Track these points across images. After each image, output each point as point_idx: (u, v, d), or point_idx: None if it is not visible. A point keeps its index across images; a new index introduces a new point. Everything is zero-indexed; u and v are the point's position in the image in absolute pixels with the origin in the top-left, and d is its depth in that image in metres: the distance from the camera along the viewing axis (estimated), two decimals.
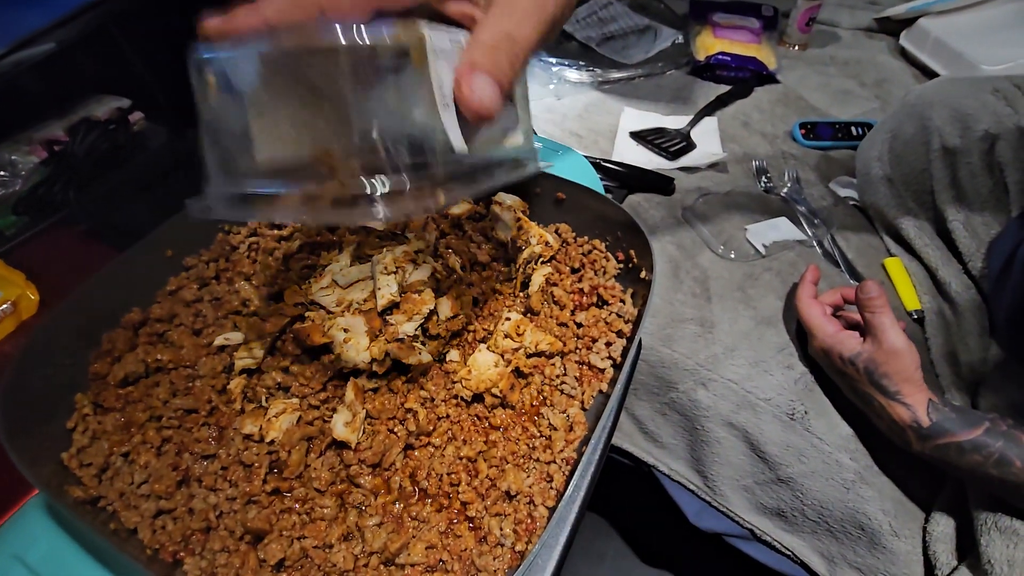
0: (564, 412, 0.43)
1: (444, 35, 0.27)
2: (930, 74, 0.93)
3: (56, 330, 0.41)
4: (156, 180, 0.70)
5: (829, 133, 0.83)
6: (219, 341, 0.44)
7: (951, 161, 0.62)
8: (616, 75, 0.93)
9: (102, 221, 0.65)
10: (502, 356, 0.44)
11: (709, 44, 0.94)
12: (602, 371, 0.45)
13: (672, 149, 0.79)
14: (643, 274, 0.48)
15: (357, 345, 0.42)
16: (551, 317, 0.48)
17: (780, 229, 0.69)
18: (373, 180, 0.25)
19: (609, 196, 0.52)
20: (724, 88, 0.90)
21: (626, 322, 0.47)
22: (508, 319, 0.46)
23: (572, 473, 0.38)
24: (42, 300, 0.54)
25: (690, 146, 0.80)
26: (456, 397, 0.43)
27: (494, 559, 0.36)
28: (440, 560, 0.36)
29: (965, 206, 0.63)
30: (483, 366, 0.43)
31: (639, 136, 0.81)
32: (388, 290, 0.43)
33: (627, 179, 0.73)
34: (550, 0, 0.27)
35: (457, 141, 0.27)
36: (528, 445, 0.42)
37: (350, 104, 0.25)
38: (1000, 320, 0.56)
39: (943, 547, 0.48)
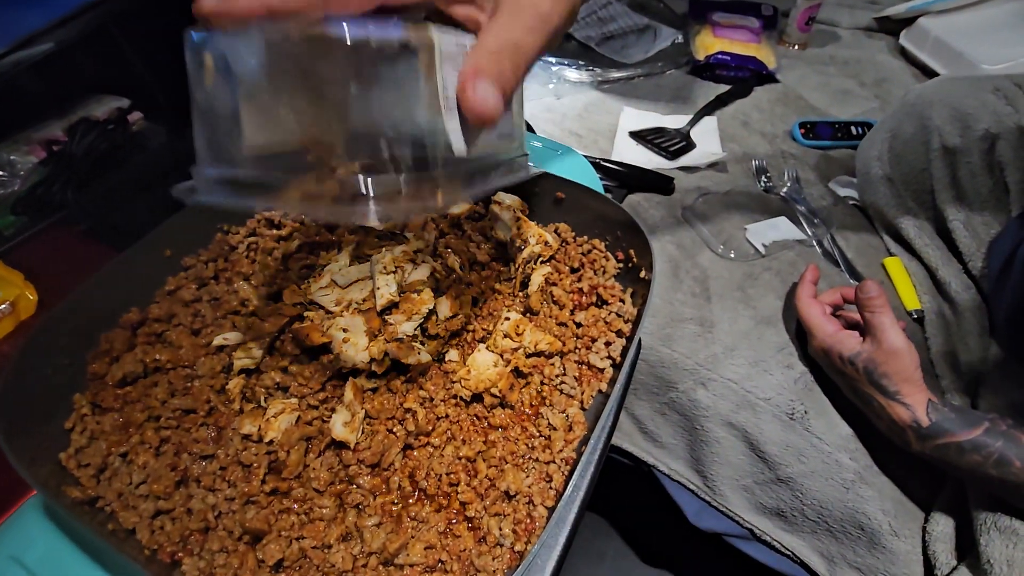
0: (563, 412, 0.43)
1: (451, 39, 0.27)
2: (930, 73, 0.93)
3: (54, 330, 0.41)
4: (155, 180, 0.70)
5: (829, 133, 0.83)
6: (218, 341, 0.44)
7: (951, 160, 0.62)
8: (616, 75, 0.93)
9: (101, 221, 0.65)
10: (501, 356, 0.44)
11: (709, 44, 0.94)
12: (601, 371, 0.45)
13: (672, 149, 0.79)
14: (643, 274, 0.48)
15: (356, 345, 0.42)
16: (550, 317, 0.48)
17: (780, 229, 0.69)
18: (370, 179, 0.25)
19: (608, 196, 0.51)
20: (724, 88, 0.90)
21: (626, 322, 0.47)
22: (507, 319, 0.46)
23: (571, 473, 0.38)
24: (41, 300, 0.54)
25: (690, 146, 0.80)
26: (455, 397, 0.43)
27: (493, 559, 0.36)
28: (439, 560, 0.36)
29: (965, 206, 0.62)
30: (482, 366, 0.43)
31: (639, 136, 0.81)
32: (387, 290, 0.43)
33: (627, 179, 0.73)
34: (554, 11, 0.27)
35: (458, 143, 0.27)
36: (527, 445, 0.41)
37: (353, 100, 0.25)
38: (1000, 320, 0.56)
39: (943, 547, 0.48)
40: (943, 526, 0.49)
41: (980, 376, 0.55)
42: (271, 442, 0.40)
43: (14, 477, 0.34)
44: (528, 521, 0.37)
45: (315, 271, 0.48)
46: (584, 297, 0.49)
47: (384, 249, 0.47)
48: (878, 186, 0.68)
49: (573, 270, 0.51)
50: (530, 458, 0.41)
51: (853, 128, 0.83)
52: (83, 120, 0.69)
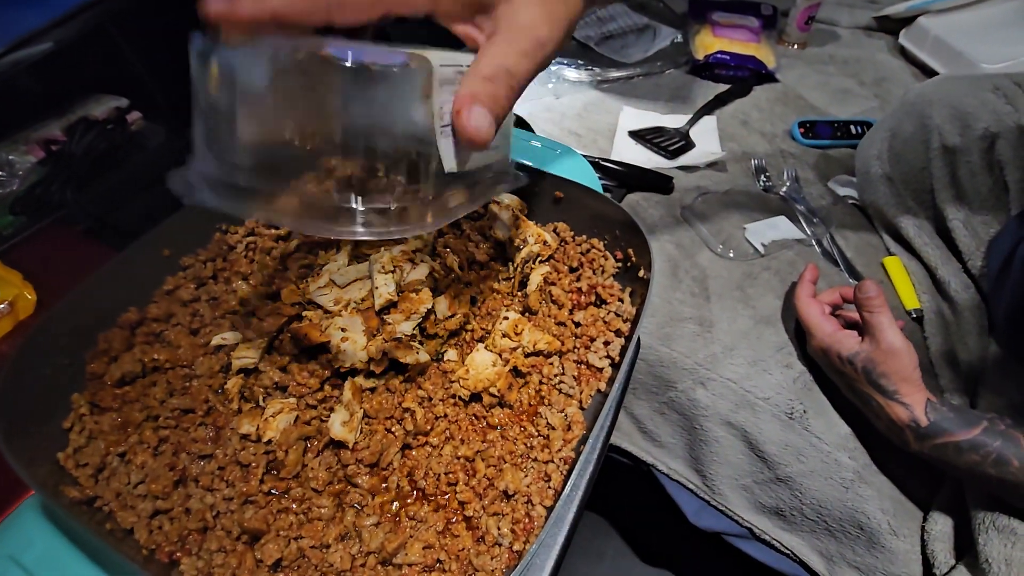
0: (562, 411, 0.43)
1: (449, 63, 0.28)
2: (930, 72, 0.93)
3: (53, 330, 0.41)
4: (154, 180, 0.69)
5: (828, 132, 0.83)
6: (216, 341, 0.44)
7: (951, 160, 0.62)
8: (615, 74, 0.93)
9: (100, 221, 0.65)
10: (500, 355, 0.44)
11: (708, 43, 0.94)
12: (600, 370, 0.45)
13: (671, 148, 0.79)
14: (641, 273, 0.48)
15: (355, 344, 0.42)
16: (549, 316, 0.48)
17: (779, 228, 0.69)
18: (359, 197, 0.26)
19: (607, 195, 0.51)
20: (723, 87, 0.90)
21: (624, 321, 0.47)
22: (506, 318, 0.46)
23: (570, 472, 0.38)
24: (39, 300, 0.54)
25: (689, 145, 0.80)
26: (454, 396, 0.43)
27: (492, 559, 0.36)
28: (437, 560, 0.36)
29: (965, 205, 0.62)
30: (481, 365, 0.43)
31: (638, 135, 0.81)
32: (386, 289, 0.43)
33: (626, 178, 0.73)
34: (551, 37, 0.29)
35: (449, 162, 0.29)
36: (526, 444, 0.41)
37: (350, 119, 0.26)
38: (999, 319, 0.56)
39: (941, 546, 0.48)
40: (942, 525, 0.49)
41: (979, 375, 0.55)
42: (269, 442, 0.40)
43: (12, 477, 0.34)
44: (527, 520, 0.37)
45: (313, 270, 0.48)
46: (583, 296, 0.49)
47: (382, 249, 0.47)
48: (877, 185, 0.68)
49: (572, 269, 0.51)
50: (529, 457, 0.41)
51: (852, 127, 0.83)
52: (82, 120, 0.69)
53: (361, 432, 0.41)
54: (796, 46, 1.01)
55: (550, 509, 0.37)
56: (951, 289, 0.61)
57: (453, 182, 0.30)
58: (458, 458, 0.40)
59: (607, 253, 0.51)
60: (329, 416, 0.41)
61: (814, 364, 0.56)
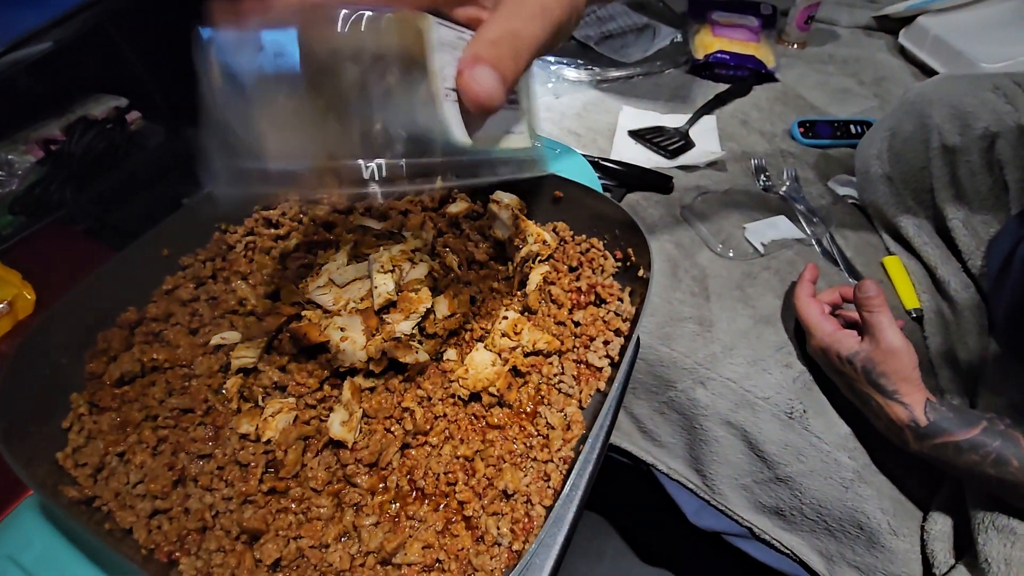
0: (562, 411, 0.43)
1: (451, 30, 0.27)
2: (929, 72, 0.93)
3: (52, 329, 0.41)
4: (153, 179, 0.69)
5: (828, 131, 0.83)
6: (215, 340, 0.44)
7: (950, 159, 0.62)
8: (615, 74, 0.93)
9: (99, 221, 0.64)
10: (499, 355, 0.44)
11: (708, 43, 0.94)
12: (600, 370, 0.45)
13: (671, 148, 0.79)
14: (641, 272, 0.48)
15: (354, 344, 0.42)
16: (549, 316, 0.48)
17: (779, 228, 0.69)
18: (371, 164, 0.25)
19: (607, 194, 0.51)
20: (723, 86, 0.90)
21: (624, 320, 0.47)
22: (505, 318, 0.46)
23: (569, 472, 0.38)
24: (38, 300, 0.54)
25: (689, 145, 0.80)
26: (453, 396, 0.43)
27: (491, 558, 0.36)
28: (437, 560, 0.36)
29: (964, 204, 0.62)
30: (480, 365, 0.43)
31: (638, 135, 0.81)
32: (385, 289, 0.43)
33: (626, 178, 0.73)
34: (556, 5, 0.27)
35: (458, 132, 0.27)
36: (525, 444, 0.41)
37: (352, 94, 0.26)
38: (999, 318, 0.56)
39: (941, 546, 0.48)
40: (941, 525, 0.49)
41: (979, 375, 0.55)
42: (269, 441, 0.40)
43: (11, 477, 0.34)
44: (526, 520, 0.37)
45: (313, 270, 0.48)
46: (582, 296, 0.49)
47: (382, 248, 0.47)
48: (877, 185, 0.68)
49: (571, 269, 0.51)
50: (528, 457, 0.41)
51: (852, 127, 0.83)
52: (81, 119, 0.69)
53: (360, 432, 0.41)
54: (796, 46, 1.01)
55: (549, 509, 0.37)
56: (951, 289, 0.61)
57: (470, 157, 0.29)
58: (457, 458, 0.40)
59: (607, 253, 0.51)
60: (328, 416, 0.41)
61: (814, 364, 0.56)
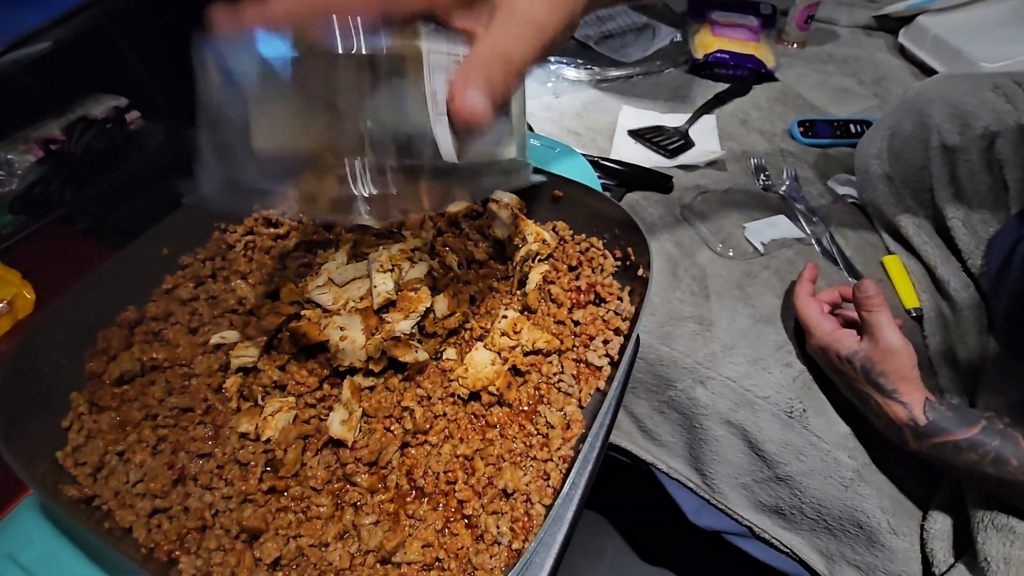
0: (561, 410, 0.43)
1: (443, 48, 0.27)
2: (929, 71, 0.93)
3: (52, 329, 0.41)
4: (153, 179, 0.69)
5: (828, 131, 0.83)
6: (215, 339, 0.44)
7: (950, 159, 0.62)
8: (614, 73, 0.93)
9: (99, 220, 0.64)
10: (499, 354, 0.44)
11: (707, 42, 0.94)
12: (599, 369, 0.45)
13: (670, 147, 0.79)
14: (641, 272, 0.48)
15: (353, 343, 0.42)
16: (548, 315, 0.48)
17: (779, 227, 0.69)
18: (360, 183, 0.26)
19: (607, 194, 0.51)
20: (722, 86, 0.90)
21: (623, 320, 0.47)
22: (505, 317, 0.46)
23: (569, 471, 0.38)
24: (38, 299, 0.54)
25: (688, 144, 0.80)
26: (453, 395, 0.43)
27: (491, 557, 0.36)
28: (436, 558, 0.36)
29: (964, 204, 0.62)
30: (480, 364, 0.43)
31: (637, 134, 0.81)
32: (384, 288, 0.43)
33: (625, 177, 0.73)
34: (550, 22, 0.28)
35: (447, 149, 0.28)
36: (525, 443, 0.41)
37: (345, 109, 0.26)
38: (999, 318, 0.56)
39: (940, 545, 0.48)
40: (941, 524, 0.49)
41: (978, 374, 0.55)
42: (268, 440, 0.40)
43: (11, 476, 0.34)
44: (526, 519, 0.37)
45: (312, 269, 0.48)
46: (582, 295, 0.49)
47: (381, 247, 0.47)
48: (877, 184, 0.68)
49: (571, 268, 0.51)
50: (528, 456, 0.41)
51: (852, 126, 0.83)
52: (81, 119, 0.69)
53: (360, 431, 0.41)
54: (795, 45, 1.01)
55: (549, 507, 0.37)
56: (950, 288, 0.61)
57: (455, 173, 0.30)
58: (457, 457, 0.40)
59: (606, 252, 0.51)
60: (328, 415, 0.41)
61: (813, 363, 0.56)
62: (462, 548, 0.36)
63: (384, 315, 0.44)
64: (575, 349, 0.46)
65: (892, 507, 0.51)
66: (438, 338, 0.45)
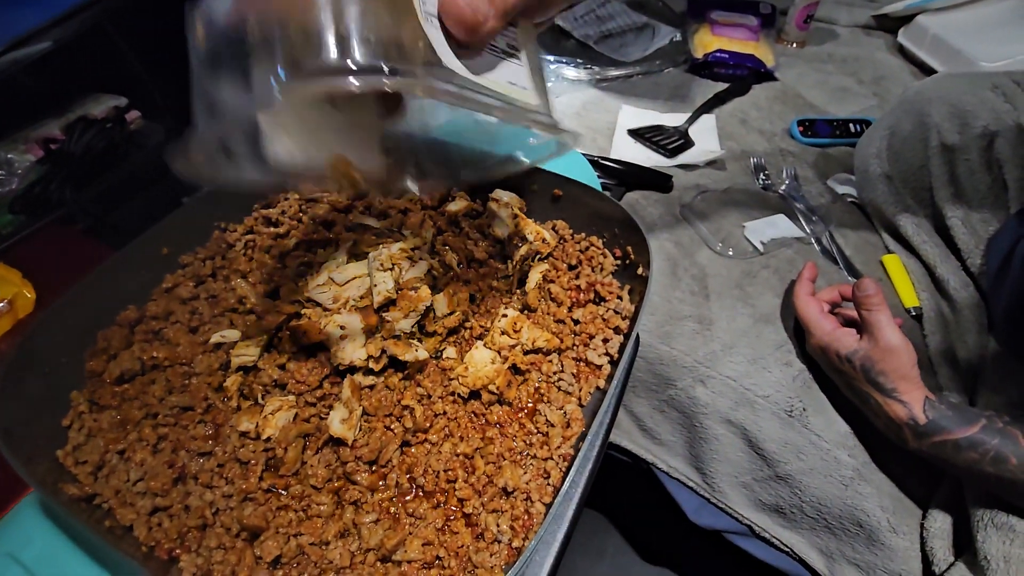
0: (561, 409, 0.43)
1: None
2: (928, 71, 0.93)
3: (52, 328, 0.41)
4: (153, 179, 0.70)
5: (827, 130, 0.83)
6: (215, 338, 0.44)
7: (950, 158, 0.62)
8: (614, 73, 0.93)
9: (99, 220, 0.65)
10: (499, 353, 0.44)
11: (707, 42, 0.94)
12: (599, 367, 0.45)
13: (670, 146, 0.79)
14: (640, 270, 0.48)
15: (353, 342, 0.42)
16: (548, 314, 0.48)
17: (778, 226, 0.69)
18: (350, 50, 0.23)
19: (606, 193, 0.52)
20: (722, 86, 0.90)
21: (623, 319, 0.47)
22: (505, 316, 0.46)
23: (569, 469, 0.38)
24: (38, 298, 0.54)
25: (688, 143, 0.80)
26: (453, 394, 0.43)
27: (491, 555, 0.36)
28: (437, 557, 0.36)
29: (964, 203, 0.62)
30: (480, 363, 0.43)
31: (637, 134, 0.81)
32: (384, 287, 0.43)
33: (625, 176, 0.73)
34: None
35: (445, 53, 0.25)
36: (525, 442, 0.41)
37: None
38: (998, 317, 0.56)
39: (940, 543, 0.48)
40: (941, 523, 0.49)
41: (978, 373, 0.55)
42: (268, 439, 0.40)
43: (11, 475, 0.34)
44: (526, 517, 0.37)
45: (312, 268, 0.48)
46: (582, 294, 0.49)
47: (381, 246, 0.47)
48: (876, 184, 0.68)
49: (571, 267, 0.51)
50: (528, 455, 0.41)
51: (851, 126, 0.83)
52: (81, 119, 0.69)
53: (360, 429, 0.41)
54: (795, 45, 1.01)
55: (549, 506, 0.37)
56: (950, 287, 0.61)
57: (464, 88, 0.26)
58: (457, 455, 0.40)
59: (606, 251, 0.51)
60: (328, 413, 0.41)
61: (813, 362, 0.56)
62: (462, 546, 0.37)
63: (384, 314, 0.44)
64: (575, 348, 0.46)
65: (892, 506, 0.51)
66: (438, 337, 0.45)
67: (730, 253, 0.66)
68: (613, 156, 0.76)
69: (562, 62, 0.93)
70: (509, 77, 0.29)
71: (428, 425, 0.41)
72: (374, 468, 0.40)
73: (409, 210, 0.54)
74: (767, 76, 0.93)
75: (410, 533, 0.37)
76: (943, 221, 0.64)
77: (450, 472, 0.40)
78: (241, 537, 0.36)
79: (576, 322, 0.48)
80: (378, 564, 0.36)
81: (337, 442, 0.40)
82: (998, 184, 0.60)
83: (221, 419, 0.41)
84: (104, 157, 0.68)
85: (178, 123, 0.75)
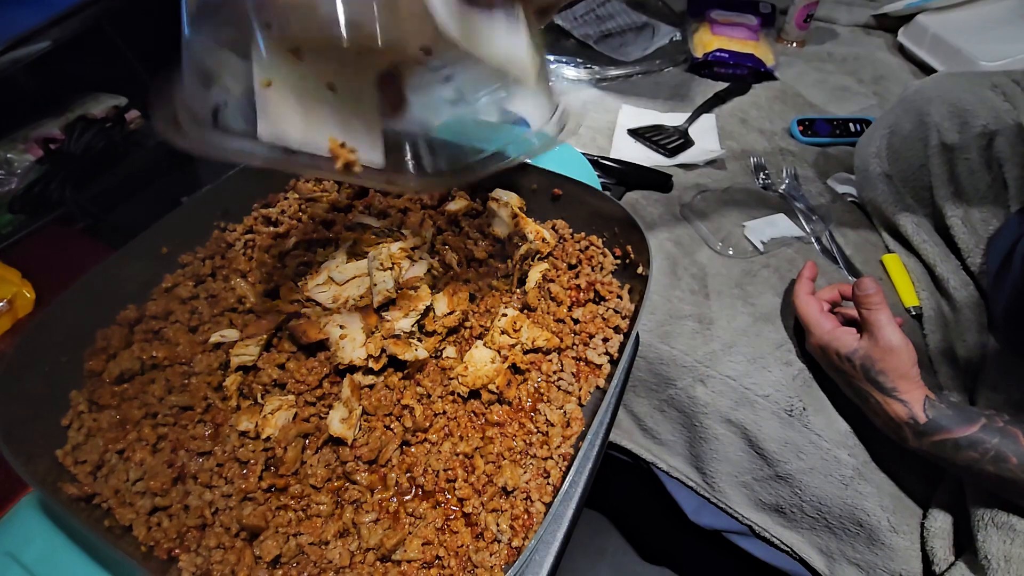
0: (561, 408, 0.43)
1: None
2: (928, 70, 0.93)
3: (52, 327, 0.41)
4: (152, 178, 0.69)
5: (827, 130, 0.83)
6: (215, 338, 0.44)
7: (949, 157, 0.62)
8: (614, 72, 0.93)
9: (98, 219, 0.65)
10: (499, 352, 0.44)
11: (707, 41, 0.94)
12: (599, 367, 0.45)
13: (670, 146, 0.79)
14: (640, 270, 0.48)
15: (353, 341, 0.42)
16: (548, 313, 0.48)
17: (778, 226, 0.69)
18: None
19: (606, 192, 0.51)
20: (722, 85, 0.90)
21: (623, 318, 0.47)
22: (505, 315, 0.46)
23: (569, 468, 0.38)
24: (38, 298, 0.54)
25: (688, 143, 0.80)
26: (453, 393, 0.43)
27: (491, 555, 0.36)
28: (436, 556, 0.36)
29: (964, 202, 0.62)
30: (480, 362, 0.43)
31: (637, 133, 0.81)
32: (384, 286, 0.43)
33: (625, 176, 0.73)
34: None
35: (441, 15, 0.24)
36: (525, 441, 0.41)
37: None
38: (998, 316, 0.56)
39: (940, 543, 0.48)
40: (941, 522, 0.49)
41: (978, 372, 0.55)
42: (268, 439, 0.40)
43: (11, 474, 0.34)
44: (526, 517, 0.37)
45: (312, 268, 0.48)
46: (581, 293, 0.49)
47: (381, 246, 0.47)
48: (876, 183, 0.68)
49: (571, 266, 0.51)
50: (528, 454, 0.41)
51: (851, 125, 0.83)
52: (80, 118, 0.69)
53: (360, 429, 0.41)
54: (795, 44, 1.01)
55: (549, 505, 0.37)
56: (950, 286, 0.61)
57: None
58: (457, 455, 0.40)
59: (606, 250, 0.51)
60: (328, 413, 0.41)
61: (813, 361, 0.56)
62: (462, 546, 0.36)
63: (384, 313, 0.44)
64: (575, 347, 0.46)
65: (892, 505, 0.51)
66: (438, 336, 0.45)
67: (730, 252, 0.66)
68: (613, 156, 0.76)
69: (562, 62, 0.93)
70: (509, 46, 0.29)
71: (428, 424, 0.41)
72: (374, 468, 0.40)
73: (409, 209, 0.54)
74: (767, 75, 0.93)
75: (410, 533, 0.37)
76: (943, 220, 0.64)
77: (450, 472, 0.40)
78: (240, 537, 0.36)
79: (576, 321, 0.48)
80: (378, 564, 0.36)
81: (337, 442, 0.40)
82: (998, 183, 0.60)
83: (220, 419, 0.41)
84: (104, 157, 0.68)
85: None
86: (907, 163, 0.66)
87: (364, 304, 0.44)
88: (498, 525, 0.37)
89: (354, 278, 0.46)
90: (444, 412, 0.42)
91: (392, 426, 0.41)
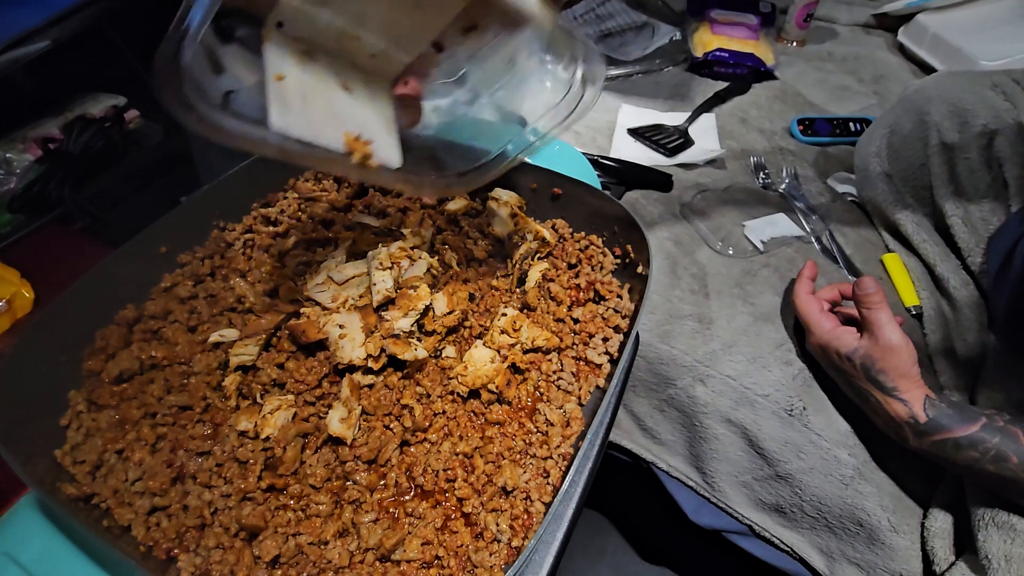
0: (561, 408, 0.43)
1: None
2: (928, 70, 0.93)
3: (50, 327, 0.41)
4: (151, 178, 0.69)
5: (827, 129, 0.83)
6: (214, 338, 0.44)
7: (949, 156, 0.62)
8: (614, 72, 0.93)
9: (97, 219, 0.64)
10: (498, 352, 0.44)
11: (707, 40, 0.94)
12: (599, 366, 0.45)
13: (670, 145, 0.79)
14: (640, 269, 0.48)
15: (353, 341, 0.42)
16: (548, 313, 0.48)
17: (778, 225, 0.69)
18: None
19: (606, 192, 0.51)
20: (722, 84, 0.90)
21: (623, 317, 0.47)
22: (504, 315, 0.45)
23: (569, 468, 0.38)
24: (37, 298, 0.54)
25: (688, 142, 0.80)
26: (452, 393, 0.43)
27: (490, 555, 0.36)
28: (436, 556, 0.36)
29: (964, 201, 0.62)
30: (479, 362, 0.43)
31: (637, 133, 0.81)
32: (384, 286, 0.43)
33: (625, 175, 0.73)
34: None
35: None
36: (525, 441, 0.41)
37: None
38: (999, 315, 0.56)
39: (941, 543, 0.48)
40: (941, 522, 0.49)
41: (978, 372, 0.55)
42: (267, 438, 0.39)
43: (10, 474, 0.34)
44: (525, 517, 0.37)
45: (311, 267, 0.48)
46: (581, 293, 0.49)
47: (381, 245, 0.47)
48: (876, 182, 0.68)
49: (570, 266, 0.51)
50: (527, 454, 0.41)
51: (851, 124, 0.83)
52: (79, 118, 0.69)
53: (359, 429, 0.41)
54: (795, 43, 1.01)
55: (549, 505, 0.37)
56: (950, 286, 0.61)
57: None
58: (457, 454, 0.40)
59: (606, 250, 0.51)
60: (327, 413, 0.41)
61: (813, 361, 0.56)
62: (462, 546, 0.36)
63: (383, 313, 0.44)
64: (575, 347, 0.46)
65: (892, 505, 0.51)
66: (437, 336, 0.45)
67: (730, 252, 0.66)
68: (613, 155, 0.76)
69: None
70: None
71: (427, 424, 0.41)
72: (373, 467, 0.40)
73: (408, 209, 0.53)
74: (767, 75, 0.93)
75: (409, 532, 0.37)
76: (943, 220, 0.64)
77: (449, 471, 0.39)
78: (240, 537, 0.36)
79: (576, 321, 0.47)
80: (377, 564, 0.35)
81: (336, 441, 0.40)
82: (998, 182, 0.60)
83: (220, 418, 0.41)
84: (102, 156, 0.68)
85: (177, 122, 0.75)
86: (907, 162, 0.66)
87: (363, 304, 0.44)
88: (498, 525, 0.37)
89: (353, 278, 0.46)
90: (444, 412, 0.42)
91: (391, 426, 0.41)
